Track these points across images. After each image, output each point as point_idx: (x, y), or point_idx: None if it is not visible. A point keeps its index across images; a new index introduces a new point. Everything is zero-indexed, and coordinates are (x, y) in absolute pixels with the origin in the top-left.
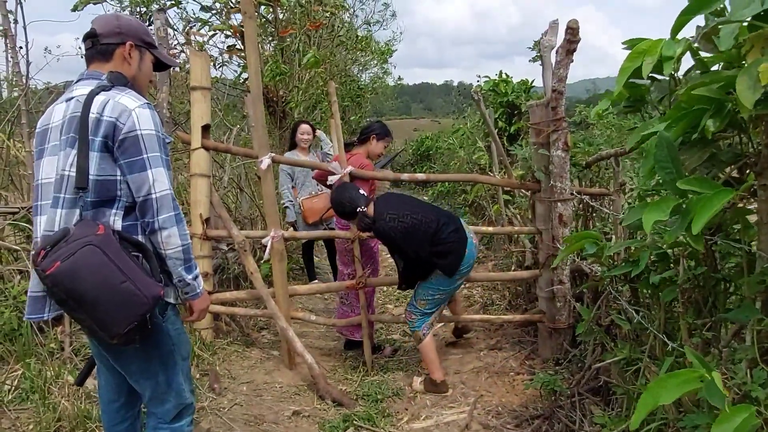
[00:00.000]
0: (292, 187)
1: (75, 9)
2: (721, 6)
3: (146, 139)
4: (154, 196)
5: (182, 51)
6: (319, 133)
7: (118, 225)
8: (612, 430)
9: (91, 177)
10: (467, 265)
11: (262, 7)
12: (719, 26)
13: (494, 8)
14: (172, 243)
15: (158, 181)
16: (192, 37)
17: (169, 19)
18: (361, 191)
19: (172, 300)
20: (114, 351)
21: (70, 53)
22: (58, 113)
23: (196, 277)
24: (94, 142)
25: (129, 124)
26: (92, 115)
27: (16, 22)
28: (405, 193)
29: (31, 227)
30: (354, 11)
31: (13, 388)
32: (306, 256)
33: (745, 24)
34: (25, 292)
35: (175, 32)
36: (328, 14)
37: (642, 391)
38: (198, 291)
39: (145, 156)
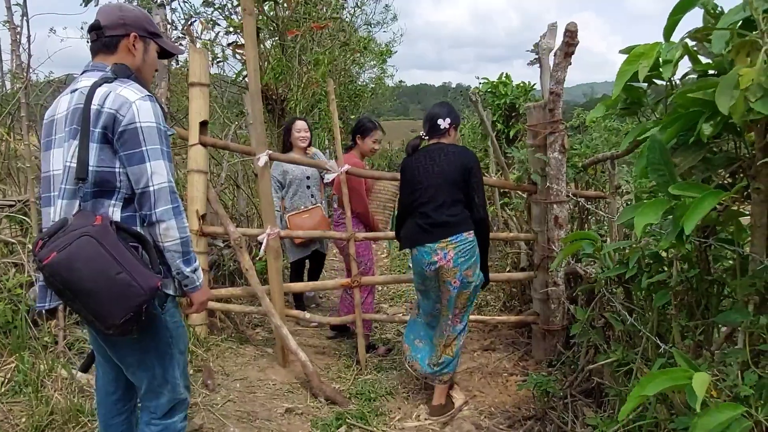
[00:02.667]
0: (281, 198)
1: (86, 3)
2: (713, 5)
3: (145, 131)
4: (151, 188)
5: (181, 44)
6: (313, 150)
7: (117, 216)
8: (603, 431)
9: (90, 168)
10: (416, 270)
11: (266, 4)
12: (711, 33)
13: (494, 12)
14: (170, 235)
15: (156, 173)
16: (195, 33)
17: (175, 12)
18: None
19: (171, 292)
20: (111, 342)
21: (72, 42)
22: (63, 105)
23: (195, 270)
24: (93, 133)
25: (129, 116)
26: (93, 107)
27: (23, 15)
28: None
29: (28, 220)
30: (354, 12)
31: (6, 380)
32: (294, 278)
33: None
34: (20, 285)
35: (175, 28)
36: (330, 13)
37: None
38: (197, 284)
39: (143, 148)
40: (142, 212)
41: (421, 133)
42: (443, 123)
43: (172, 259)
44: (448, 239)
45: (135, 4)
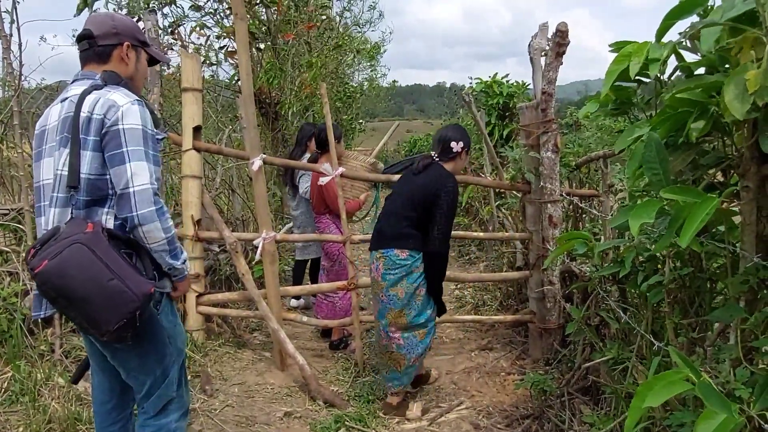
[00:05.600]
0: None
1: (79, 11)
2: (707, 8)
3: (127, 133)
4: (131, 189)
5: (172, 48)
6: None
7: (110, 223)
8: (600, 429)
9: (83, 176)
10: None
11: (258, 7)
12: (701, 30)
13: (486, 10)
14: (154, 237)
15: (137, 174)
16: (186, 38)
17: (160, 19)
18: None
19: (168, 289)
20: (110, 347)
21: (63, 49)
22: (54, 115)
23: (184, 261)
24: (87, 141)
25: (113, 119)
26: (83, 114)
27: (13, 22)
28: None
29: (22, 228)
30: (342, 13)
31: (3, 390)
32: (297, 274)
33: (728, 27)
34: (15, 294)
35: (165, 33)
36: (320, 13)
37: (630, 391)
38: (185, 273)
39: (124, 149)
40: (122, 215)
41: (433, 153)
42: (456, 146)
43: (160, 258)
44: (381, 251)
45: (124, 11)
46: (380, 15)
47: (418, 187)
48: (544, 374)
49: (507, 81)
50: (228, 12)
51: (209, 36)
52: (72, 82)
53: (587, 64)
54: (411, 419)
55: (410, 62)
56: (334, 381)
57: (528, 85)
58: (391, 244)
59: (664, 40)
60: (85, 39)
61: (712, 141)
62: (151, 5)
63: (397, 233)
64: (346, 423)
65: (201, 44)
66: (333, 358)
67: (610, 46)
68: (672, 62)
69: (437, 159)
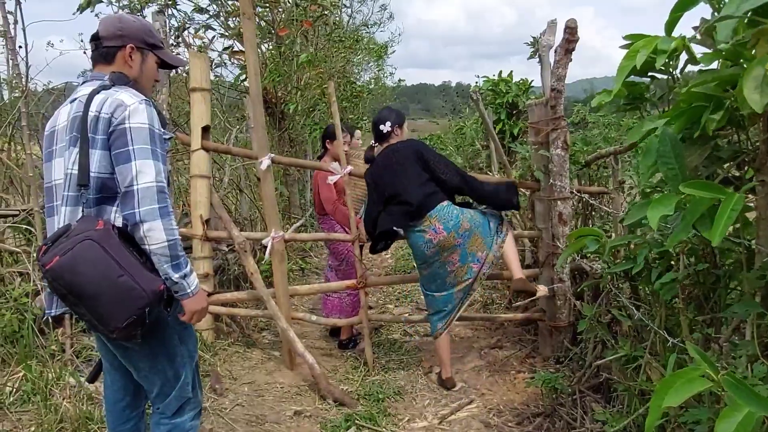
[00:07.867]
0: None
1: (79, 9)
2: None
3: (134, 131)
4: (135, 187)
5: (178, 53)
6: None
7: (120, 221)
8: (613, 426)
9: (92, 174)
10: (416, 253)
11: (259, 8)
12: (716, 23)
13: (487, 9)
14: (154, 238)
15: (142, 172)
16: (190, 39)
17: (174, 17)
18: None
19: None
20: (121, 347)
21: (70, 51)
22: (63, 115)
23: (185, 276)
24: (95, 140)
25: (120, 118)
26: (91, 113)
27: (16, 22)
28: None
29: (32, 229)
30: (351, 12)
31: (15, 390)
32: None
33: (746, 20)
34: (26, 294)
35: (173, 34)
36: (321, 11)
37: (643, 388)
38: (188, 291)
39: (130, 147)
40: (125, 213)
41: (371, 141)
42: (385, 127)
43: (159, 263)
44: (428, 214)
45: (125, 10)
46: (390, 16)
47: (403, 162)
48: (555, 372)
49: (512, 80)
50: (232, 14)
51: (213, 37)
52: (82, 83)
53: (591, 62)
54: (540, 295)
55: (413, 62)
56: (344, 380)
57: (532, 83)
58: (434, 202)
59: (675, 33)
60: (93, 40)
61: (727, 135)
62: (153, 6)
63: (431, 193)
64: (356, 422)
65: (203, 44)
66: (342, 357)
67: (624, 38)
68: (684, 57)
69: (376, 145)
